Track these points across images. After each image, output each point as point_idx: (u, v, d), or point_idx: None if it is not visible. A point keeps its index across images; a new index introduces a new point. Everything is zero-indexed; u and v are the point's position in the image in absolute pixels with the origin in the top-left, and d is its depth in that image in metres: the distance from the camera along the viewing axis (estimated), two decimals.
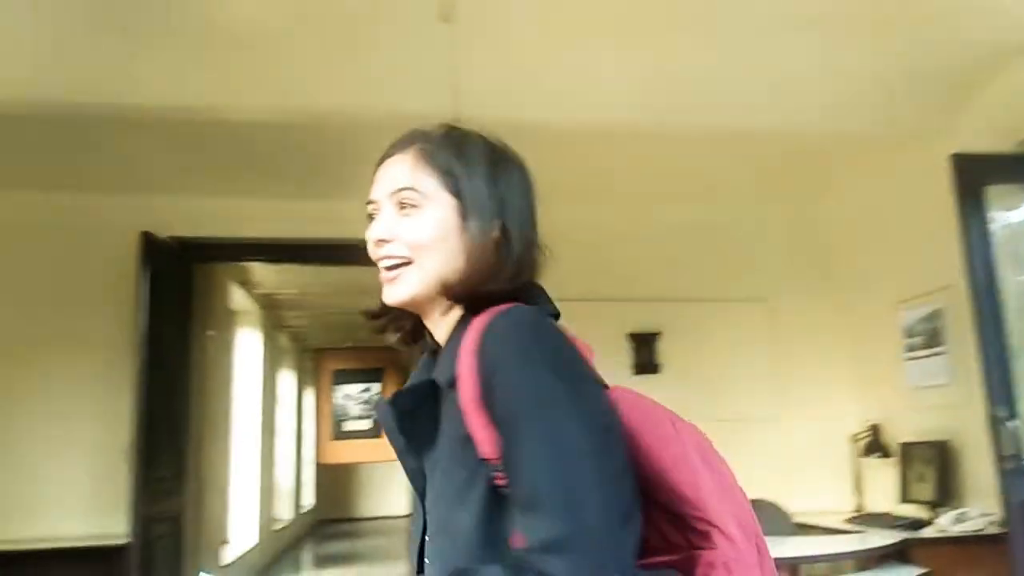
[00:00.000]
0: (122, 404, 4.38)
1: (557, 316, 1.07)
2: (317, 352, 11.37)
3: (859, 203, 4.98)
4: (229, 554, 5.93)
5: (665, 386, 5.01)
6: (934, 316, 4.27)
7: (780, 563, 3.46)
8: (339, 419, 11.18)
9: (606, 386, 1.02)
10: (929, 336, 4.31)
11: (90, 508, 4.42)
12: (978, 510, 3.73)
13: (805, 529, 4.23)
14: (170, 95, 3.59)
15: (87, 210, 4.73)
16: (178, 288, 4.83)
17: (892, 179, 4.58)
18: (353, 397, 11.39)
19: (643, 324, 5.07)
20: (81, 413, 4.55)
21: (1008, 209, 3.68)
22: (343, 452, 11.47)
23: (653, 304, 5.11)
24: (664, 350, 5.06)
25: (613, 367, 4.96)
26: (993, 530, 3.60)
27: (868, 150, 4.53)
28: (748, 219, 5.30)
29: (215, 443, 5.54)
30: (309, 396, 11.32)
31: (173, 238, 4.66)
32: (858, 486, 4.80)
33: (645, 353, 5.02)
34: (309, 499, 11.40)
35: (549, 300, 1.09)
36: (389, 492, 12.74)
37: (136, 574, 4.07)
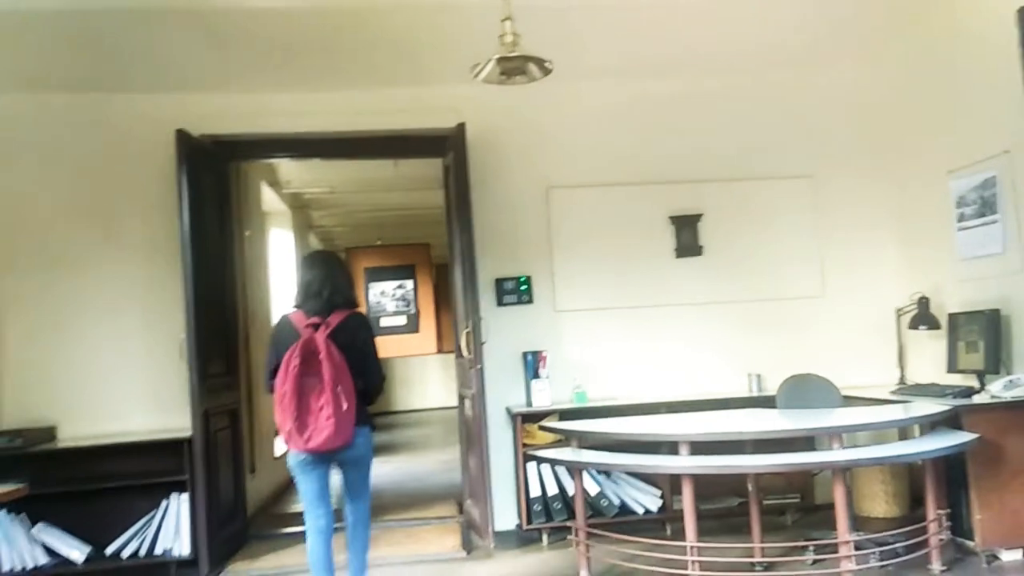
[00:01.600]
0: (169, 304, 4.45)
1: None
2: (348, 251, 11.41)
3: (911, 67, 4.76)
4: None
5: (707, 268, 4.97)
6: (988, 184, 4.14)
7: (824, 432, 3.49)
8: (375, 315, 11.31)
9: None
10: (981, 205, 4.20)
11: (151, 405, 4.55)
12: None
13: (852, 401, 4.26)
14: None
15: (121, 110, 4.65)
16: (214, 186, 4.79)
17: (947, 39, 4.37)
18: (388, 294, 11.50)
19: (684, 206, 4.97)
20: (132, 311, 4.62)
21: None
22: (380, 347, 11.64)
23: (694, 184, 4.99)
24: (706, 231, 4.98)
25: (656, 251, 4.92)
26: None
27: (920, 7, 4.31)
28: (790, 91, 5.11)
29: (259, 342, 5.64)
30: None
31: (206, 136, 4.59)
32: (904, 359, 4.81)
33: (687, 235, 4.94)
34: None
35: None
36: (425, 385, 13.07)
37: (201, 463, 4.23)
